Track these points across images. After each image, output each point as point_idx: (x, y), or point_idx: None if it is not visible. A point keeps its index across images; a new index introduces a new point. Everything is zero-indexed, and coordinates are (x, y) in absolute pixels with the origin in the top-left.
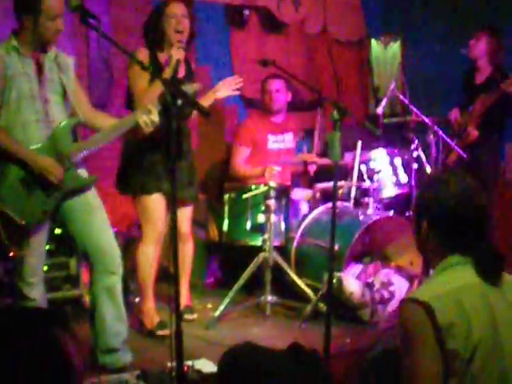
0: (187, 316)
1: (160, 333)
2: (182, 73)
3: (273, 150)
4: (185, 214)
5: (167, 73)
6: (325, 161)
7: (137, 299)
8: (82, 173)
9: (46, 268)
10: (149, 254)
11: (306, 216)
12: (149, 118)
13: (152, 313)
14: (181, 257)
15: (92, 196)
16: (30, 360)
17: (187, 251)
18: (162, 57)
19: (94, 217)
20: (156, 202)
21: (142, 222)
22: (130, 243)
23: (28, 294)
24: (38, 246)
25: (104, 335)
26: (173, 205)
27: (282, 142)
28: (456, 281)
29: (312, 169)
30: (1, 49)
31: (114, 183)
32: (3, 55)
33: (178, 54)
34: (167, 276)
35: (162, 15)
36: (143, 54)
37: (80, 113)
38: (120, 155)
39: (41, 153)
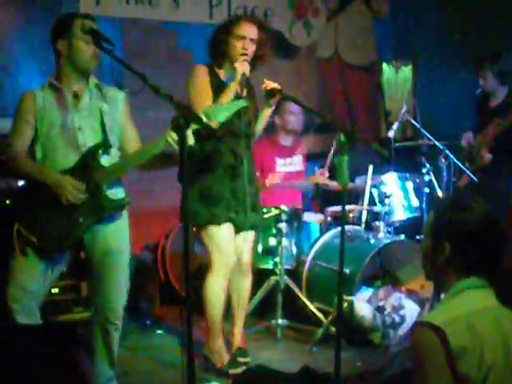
0: (240, 359)
1: (232, 372)
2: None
3: (281, 173)
4: (247, 242)
5: (232, 87)
6: (336, 184)
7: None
8: (116, 193)
9: (57, 290)
10: (218, 287)
11: (317, 239)
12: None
13: (222, 351)
14: (236, 291)
15: (119, 231)
16: (50, 377)
17: (245, 285)
18: (220, 74)
19: (111, 271)
20: (225, 232)
21: (210, 252)
22: (141, 265)
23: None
24: (40, 275)
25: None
26: (185, 227)
27: (290, 164)
28: (469, 304)
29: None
30: (38, 88)
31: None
32: (36, 94)
33: (242, 66)
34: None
35: (231, 33)
36: (202, 71)
37: (126, 147)
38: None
39: (65, 174)
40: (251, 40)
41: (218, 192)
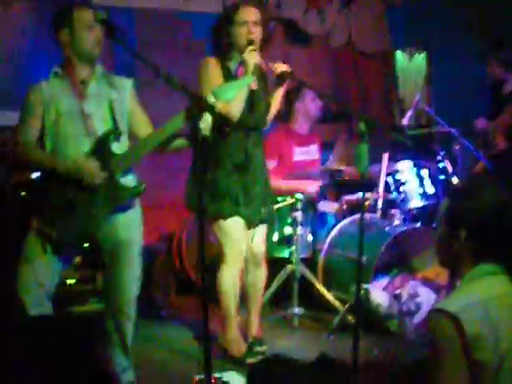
0: (257, 348)
1: (250, 360)
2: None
3: (299, 161)
4: (260, 234)
5: (246, 79)
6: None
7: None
8: (129, 181)
9: (73, 281)
10: (232, 278)
11: (332, 228)
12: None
13: (239, 341)
14: (251, 281)
15: (131, 221)
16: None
17: (259, 276)
18: (231, 65)
19: (123, 261)
20: (234, 224)
21: (221, 244)
22: (156, 255)
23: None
24: (56, 269)
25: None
26: (200, 217)
27: (307, 153)
28: (484, 291)
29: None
30: (44, 79)
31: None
32: (43, 85)
33: (252, 57)
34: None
35: (232, 22)
36: (212, 64)
37: (137, 133)
38: (189, 178)
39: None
40: (254, 23)
41: (225, 187)
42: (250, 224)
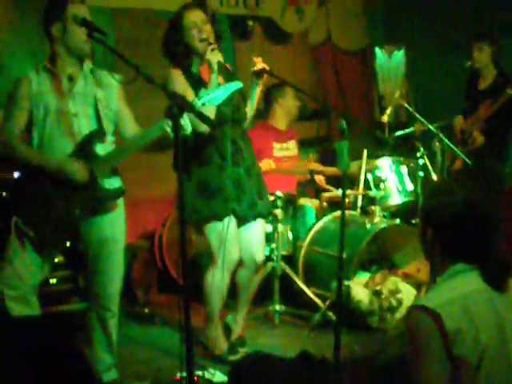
0: (239, 347)
1: (232, 358)
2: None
3: (278, 158)
4: (256, 235)
5: (213, 80)
6: (331, 170)
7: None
8: (113, 182)
9: (54, 281)
10: (221, 280)
11: (313, 225)
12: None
13: (221, 339)
14: (246, 285)
15: (114, 220)
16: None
17: (254, 280)
18: (193, 70)
19: (105, 259)
20: (227, 226)
21: (212, 247)
22: (137, 253)
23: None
24: (37, 266)
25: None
26: (181, 215)
27: (286, 149)
28: (463, 287)
29: (319, 179)
30: (32, 71)
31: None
32: (30, 77)
33: (214, 56)
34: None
35: (181, 28)
36: (176, 74)
37: (123, 132)
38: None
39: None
40: (202, 22)
41: (217, 184)
42: (245, 219)
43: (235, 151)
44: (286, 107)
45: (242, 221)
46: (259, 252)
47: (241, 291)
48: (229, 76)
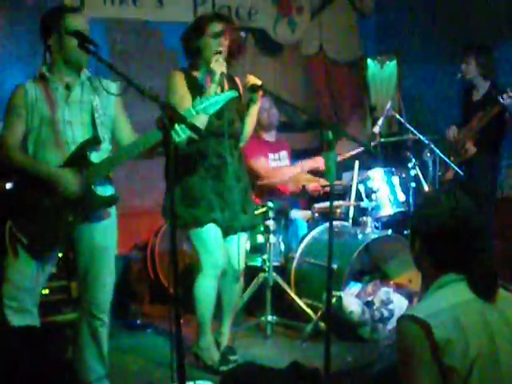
0: (230, 357)
1: (223, 368)
2: (226, 86)
3: (273, 168)
4: (238, 246)
5: (212, 88)
6: (323, 181)
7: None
8: (106, 190)
9: (47, 291)
10: (209, 287)
11: (305, 236)
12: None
13: (212, 349)
14: (227, 293)
15: (106, 228)
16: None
17: (236, 290)
18: (199, 76)
19: (96, 267)
20: (210, 232)
21: (198, 253)
22: (130, 264)
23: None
24: (32, 274)
25: (80, 367)
26: (172, 226)
27: (279, 159)
28: (452, 297)
29: (316, 188)
30: (29, 80)
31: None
32: (27, 85)
33: (219, 66)
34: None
35: (203, 33)
36: (178, 77)
37: (119, 139)
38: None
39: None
40: (224, 36)
41: (199, 193)
42: (228, 230)
43: (221, 164)
44: (269, 117)
45: (224, 232)
46: (240, 261)
47: (224, 301)
48: (235, 88)
